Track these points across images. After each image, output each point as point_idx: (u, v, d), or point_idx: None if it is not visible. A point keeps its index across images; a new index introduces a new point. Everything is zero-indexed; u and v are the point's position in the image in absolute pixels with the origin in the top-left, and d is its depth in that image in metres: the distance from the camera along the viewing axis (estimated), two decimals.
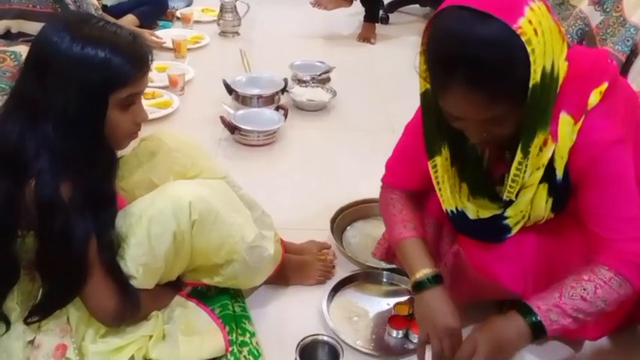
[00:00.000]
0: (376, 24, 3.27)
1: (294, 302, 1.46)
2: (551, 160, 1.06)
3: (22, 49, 1.56)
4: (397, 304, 1.44)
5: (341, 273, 1.54)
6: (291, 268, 1.50)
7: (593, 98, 1.02)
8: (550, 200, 1.11)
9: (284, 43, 3.07)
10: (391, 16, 3.51)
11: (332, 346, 1.23)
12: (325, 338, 1.25)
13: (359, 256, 1.60)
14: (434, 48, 0.99)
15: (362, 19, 3.25)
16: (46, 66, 1.03)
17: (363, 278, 1.53)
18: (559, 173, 1.07)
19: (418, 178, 1.24)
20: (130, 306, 1.17)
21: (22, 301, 1.15)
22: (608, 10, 1.82)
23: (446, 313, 1.14)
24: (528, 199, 1.11)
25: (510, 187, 1.07)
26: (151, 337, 1.23)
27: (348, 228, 1.73)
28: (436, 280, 1.17)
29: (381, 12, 3.35)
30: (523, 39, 0.92)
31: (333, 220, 1.70)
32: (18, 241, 1.09)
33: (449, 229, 1.33)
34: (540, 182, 1.08)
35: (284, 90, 2.40)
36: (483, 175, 1.17)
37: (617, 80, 1.09)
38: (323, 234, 1.64)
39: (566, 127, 1.03)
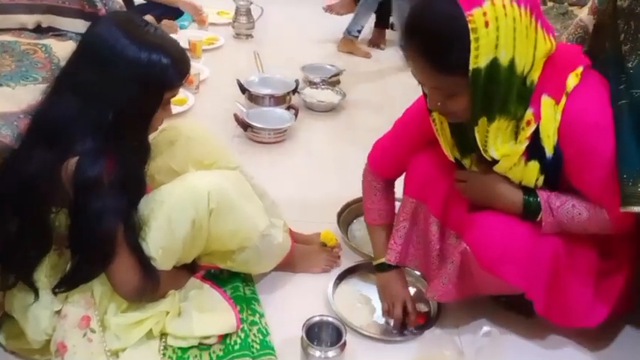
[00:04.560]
0: (386, 30, 3.35)
1: (301, 288, 1.54)
2: (538, 140, 1.16)
3: (52, 42, 1.66)
4: None
5: (346, 263, 1.63)
6: (299, 257, 1.58)
7: (571, 80, 1.13)
8: (542, 178, 1.21)
9: (296, 46, 3.16)
10: None
11: (336, 327, 1.31)
12: (330, 319, 1.32)
13: (363, 247, 1.67)
14: (406, 18, 1.15)
15: (372, 24, 3.34)
16: (112, 67, 1.13)
17: (366, 268, 1.60)
18: (548, 152, 1.17)
19: (401, 170, 1.48)
20: (150, 283, 1.25)
21: (50, 274, 1.24)
22: None
23: (403, 287, 1.46)
24: (507, 168, 1.21)
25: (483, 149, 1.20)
26: (167, 313, 1.31)
27: (354, 221, 1.81)
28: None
29: (391, 18, 3.43)
30: (470, 26, 1.03)
31: (339, 214, 1.79)
32: (51, 216, 1.18)
33: (451, 229, 1.40)
34: (530, 160, 1.18)
35: (295, 91, 2.49)
36: (467, 136, 1.24)
37: (593, 71, 1.18)
38: (330, 227, 1.72)
39: (549, 108, 1.13)
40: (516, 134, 1.17)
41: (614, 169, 1.15)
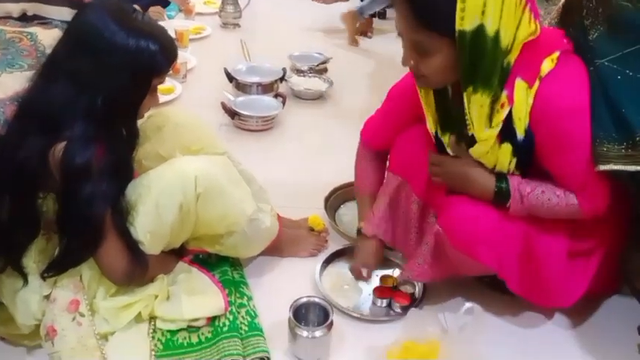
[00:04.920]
0: (374, 18, 3.36)
1: (289, 272, 1.57)
2: (511, 122, 1.18)
3: (38, 30, 1.67)
4: (383, 276, 1.54)
5: (333, 247, 1.65)
6: (287, 241, 1.60)
7: (546, 65, 1.15)
8: (514, 160, 1.24)
9: (283, 35, 3.17)
10: (388, 11, 3.58)
11: (323, 307, 1.33)
12: (317, 300, 1.35)
13: (350, 232, 1.69)
14: None
15: None
16: (100, 54, 1.15)
17: (353, 251, 1.61)
18: (520, 133, 1.19)
19: (391, 143, 1.49)
20: (138, 267, 1.27)
21: (38, 259, 1.25)
22: None
23: (374, 255, 1.53)
24: (483, 152, 1.24)
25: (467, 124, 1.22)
26: (156, 296, 1.33)
27: (341, 206, 1.83)
28: None
29: None
30: None
31: (326, 199, 1.81)
32: (39, 201, 1.19)
33: (432, 209, 1.44)
34: (503, 142, 1.21)
35: (282, 79, 2.50)
36: (450, 111, 1.27)
37: (573, 56, 1.21)
38: (317, 212, 1.74)
39: (522, 91, 1.15)
40: (491, 118, 1.19)
41: (586, 154, 1.18)
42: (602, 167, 1.15)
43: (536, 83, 1.14)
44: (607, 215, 1.28)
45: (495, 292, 1.48)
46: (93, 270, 1.26)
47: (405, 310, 1.45)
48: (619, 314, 1.48)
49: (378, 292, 1.49)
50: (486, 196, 1.27)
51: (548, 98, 1.15)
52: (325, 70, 2.74)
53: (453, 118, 1.26)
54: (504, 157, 1.24)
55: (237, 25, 3.26)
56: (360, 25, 3.31)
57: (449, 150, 1.33)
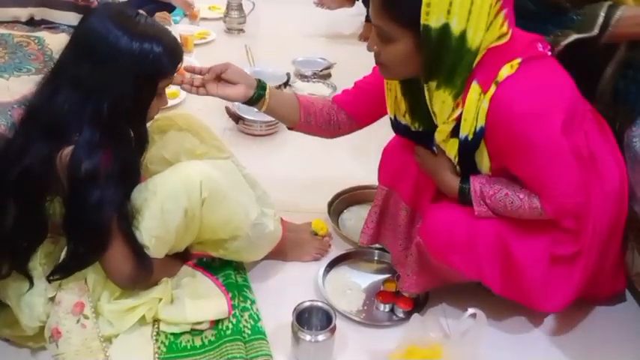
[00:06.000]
0: None
1: (292, 276, 1.57)
2: (460, 122, 1.19)
3: (45, 35, 1.68)
4: (386, 280, 1.55)
5: (336, 251, 1.66)
6: (290, 245, 1.60)
7: (505, 71, 1.13)
8: (457, 158, 1.25)
9: (287, 41, 3.18)
10: None
11: (326, 311, 1.34)
12: (320, 304, 1.35)
13: (354, 236, 1.70)
14: None
15: (364, 19, 3.37)
16: (105, 58, 1.15)
17: (356, 256, 1.64)
18: (462, 132, 1.20)
19: (353, 105, 1.51)
20: (143, 271, 1.28)
21: (44, 262, 1.26)
22: None
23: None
24: (440, 140, 1.26)
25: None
26: (160, 299, 1.34)
27: (344, 211, 1.84)
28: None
29: None
30: None
31: (330, 204, 1.82)
32: (45, 205, 1.20)
33: (420, 215, 1.44)
34: (453, 137, 1.23)
35: (286, 84, 2.51)
36: (420, 102, 1.26)
37: (541, 62, 1.19)
38: (321, 216, 1.75)
39: (474, 94, 1.16)
40: (450, 115, 1.21)
41: (545, 158, 1.18)
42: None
43: (492, 88, 1.13)
44: (596, 219, 1.28)
45: (498, 296, 1.49)
46: (98, 274, 1.27)
47: (408, 315, 1.45)
48: (624, 320, 1.49)
49: (381, 296, 1.50)
50: (453, 196, 1.30)
51: (504, 102, 1.14)
52: (329, 75, 2.75)
53: (422, 106, 1.26)
54: (450, 152, 1.26)
55: (242, 30, 3.28)
56: (364, 31, 3.34)
57: (409, 125, 1.34)
